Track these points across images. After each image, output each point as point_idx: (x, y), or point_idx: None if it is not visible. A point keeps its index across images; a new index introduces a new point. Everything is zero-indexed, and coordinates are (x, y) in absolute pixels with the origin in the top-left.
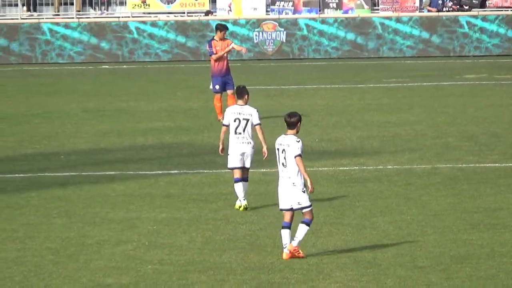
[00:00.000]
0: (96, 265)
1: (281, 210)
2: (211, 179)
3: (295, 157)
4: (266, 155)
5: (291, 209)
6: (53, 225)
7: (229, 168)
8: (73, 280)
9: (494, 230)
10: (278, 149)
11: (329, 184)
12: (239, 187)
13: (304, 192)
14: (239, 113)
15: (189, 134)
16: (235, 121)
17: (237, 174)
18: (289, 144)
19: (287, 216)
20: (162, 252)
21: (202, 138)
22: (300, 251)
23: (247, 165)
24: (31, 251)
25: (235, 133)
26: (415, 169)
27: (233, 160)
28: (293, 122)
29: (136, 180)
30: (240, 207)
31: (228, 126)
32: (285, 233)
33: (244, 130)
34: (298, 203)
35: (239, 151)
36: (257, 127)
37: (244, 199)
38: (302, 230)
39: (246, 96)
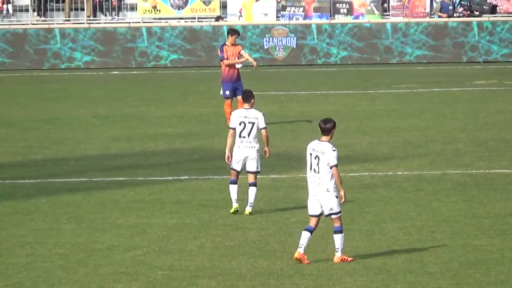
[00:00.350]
0: (106, 271)
1: (310, 215)
2: (221, 185)
3: (331, 167)
4: (267, 155)
5: (320, 215)
6: (63, 230)
7: (231, 168)
8: (83, 285)
9: (504, 236)
10: (310, 154)
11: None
12: (233, 188)
13: (337, 197)
14: (245, 117)
15: (200, 139)
16: (240, 124)
17: (233, 175)
18: (323, 152)
19: (313, 222)
20: (172, 257)
21: (212, 143)
22: (346, 257)
23: (249, 168)
24: (41, 256)
25: (240, 136)
26: (425, 175)
27: (234, 163)
28: (328, 128)
29: (146, 186)
30: (235, 208)
31: (234, 129)
32: (306, 235)
33: (249, 134)
34: (331, 208)
35: (242, 154)
36: (263, 131)
37: (236, 202)
38: (338, 239)
39: (252, 100)
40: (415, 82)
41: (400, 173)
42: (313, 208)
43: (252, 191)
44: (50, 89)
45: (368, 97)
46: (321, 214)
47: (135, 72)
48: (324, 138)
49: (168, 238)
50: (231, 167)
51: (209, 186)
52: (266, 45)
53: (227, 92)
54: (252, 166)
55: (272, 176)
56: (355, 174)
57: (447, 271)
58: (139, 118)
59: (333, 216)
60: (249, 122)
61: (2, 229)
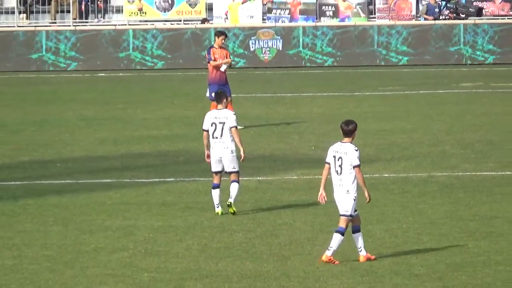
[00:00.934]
0: (93, 273)
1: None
2: (208, 187)
3: (354, 167)
4: (243, 158)
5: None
6: (50, 232)
7: (212, 172)
8: (69, 287)
9: (490, 238)
10: (334, 156)
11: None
12: (215, 193)
13: (354, 200)
14: (215, 117)
15: (186, 142)
16: (212, 125)
17: (215, 179)
18: (346, 152)
19: (342, 222)
20: (158, 259)
21: (198, 146)
22: (371, 256)
23: (227, 169)
24: (28, 258)
25: (213, 137)
26: (411, 177)
27: (213, 165)
28: (350, 130)
29: (133, 188)
30: (218, 213)
31: (207, 131)
32: (336, 237)
33: (221, 135)
34: (346, 210)
35: (216, 155)
36: (233, 130)
37: (218, 207)
38: (357, 238)
39: (224, 100)
40: (401, 84)
41: (386, 175)
42: (339, 208)
43: (234, 186)
44: (37, 91)
45: (355, 99)
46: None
47: (121, 74)
48: (346, 139)
49: (154, 240)
50: (212, 171)
51: (195, 188)
52: (252, 47)
53: (214, 94)
54: (229, 166)
55: (258, 178)
56: None
57: (433, 273)
58: (125, 120)
59: (343, 218)
60: (219, 123)
61: None
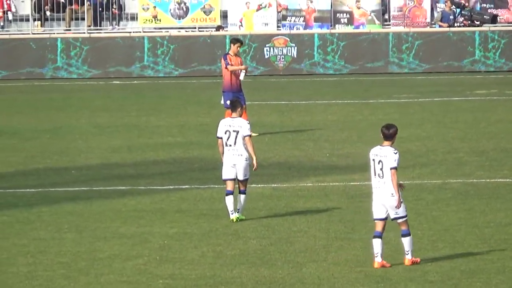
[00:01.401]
0: (107, 280)
1: (375, 220)
2: (222, 194)
3: (390, 169)
4: (255, 167)
5: (386, 219)
6: (64, 239)
7: (223, 180)
8: None
9: (505, 245)
10: (373, 160)
11: (340, 199)
12: (229, 200)
13: (402, 202)
14: (230, 125)
15: (200, 149)
16: (225, 133)
17: (229, 186)
18: (386, 155)
19: (379, 226)
20: (173, 266)
21: (213, 153)
22: (416, 259)
23: (240, 177)
24: (43, 265)
25: (226, 145)
26: (426, 184)
27: (225, 172)
28: (391, 134)
29: (147, 195)
30: (233, 219)
31: (221, 138)
32: (377, 243)
33: (235, 143)
34: (396, 212)
35: (230, 163)
36: (246, 139)
37: (232, 213)
38: (406, 242)
39: (239, 109)
40: (415, 92)
41: (401, 182)
42: (378, 212)
43: (242, 198)
44: (51, 99)
45: (369, 107)
46: (386, 218)
47: (135, 82)
48: (386, 143)
49: (169, 247)
50: (223, 179)
51: (210, 196)
52: (267, 54)
53: (228, 102)
54: (241, 174)
55: (273, 185)
56: (356, 183)
57: (448, 279)
58: (139, 127)
59: (399, 220)
60: (233, 131)
61: (4, 239)
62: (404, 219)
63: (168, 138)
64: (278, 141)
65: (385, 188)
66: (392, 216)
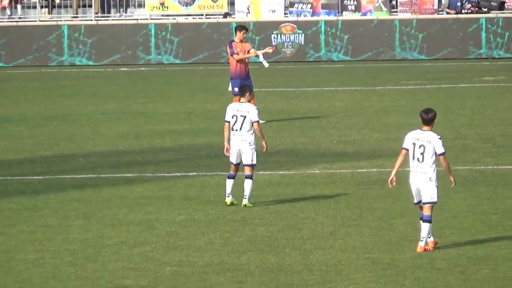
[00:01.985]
0: (115, 267)
1: (416, 204)
2: None
3: (439, 155)
4: (265, 149)
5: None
6: (72, 227)
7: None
8: (92, 281)
9: None
10: (414, 144)
11: (348, 185)
12: (228, 183)
13: (437, 187)
14: (237, 110)
15: (207, 136)
16: (233, 117)
17: (232, 170)
18: (430, 141)
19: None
20: (180, 253)
21: (220, 140)
22: (431, 246)
23: (244, 161)
24: (50, 252)
25: (233, 129)
26: None
27: (231, 156)
28: (430, 118)
29: (155, 182)
30: (227, 202)
31: (229, 122)
32: (425, 227)
33: (241, 128)
34: (431, 197)
35: (235, 147)
36: (255, 125)
37: (228, 196)
38: (426, 228)
39: (248, 94)
40: (423, 78)
41: (408, 169)
42: (418, 196)
43: (247, 183)
44: (59, 86)
45: (377, 93)
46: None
47: (143, 68)
48: (425, 128)
49: (177, 234)
50: (230, 161)
51: (217, 182)
52: (274, 41)
53: (236, 89)
54: (246, 159)
55: (280, 172)
56: (364, 170)
57: (455, 266)
58: (147, 114)
59: (427, 205)
60: (241, 116)
61: (11, 226)
62: (433, 205)
63: (175, 125)
64: (286, 128)
65: (423, 172)
66: (425, 200)
